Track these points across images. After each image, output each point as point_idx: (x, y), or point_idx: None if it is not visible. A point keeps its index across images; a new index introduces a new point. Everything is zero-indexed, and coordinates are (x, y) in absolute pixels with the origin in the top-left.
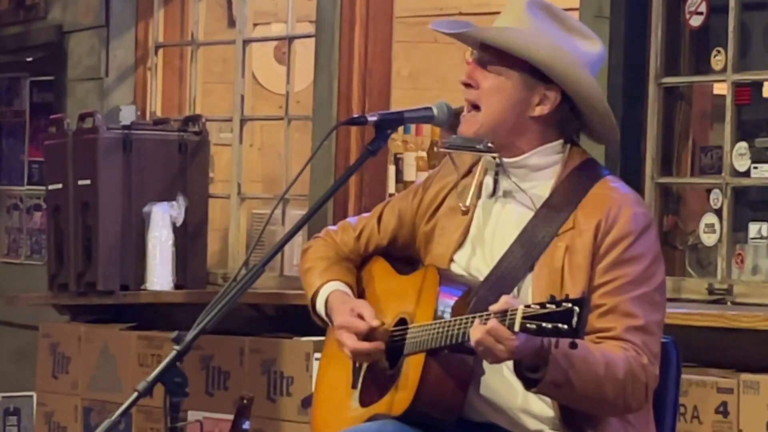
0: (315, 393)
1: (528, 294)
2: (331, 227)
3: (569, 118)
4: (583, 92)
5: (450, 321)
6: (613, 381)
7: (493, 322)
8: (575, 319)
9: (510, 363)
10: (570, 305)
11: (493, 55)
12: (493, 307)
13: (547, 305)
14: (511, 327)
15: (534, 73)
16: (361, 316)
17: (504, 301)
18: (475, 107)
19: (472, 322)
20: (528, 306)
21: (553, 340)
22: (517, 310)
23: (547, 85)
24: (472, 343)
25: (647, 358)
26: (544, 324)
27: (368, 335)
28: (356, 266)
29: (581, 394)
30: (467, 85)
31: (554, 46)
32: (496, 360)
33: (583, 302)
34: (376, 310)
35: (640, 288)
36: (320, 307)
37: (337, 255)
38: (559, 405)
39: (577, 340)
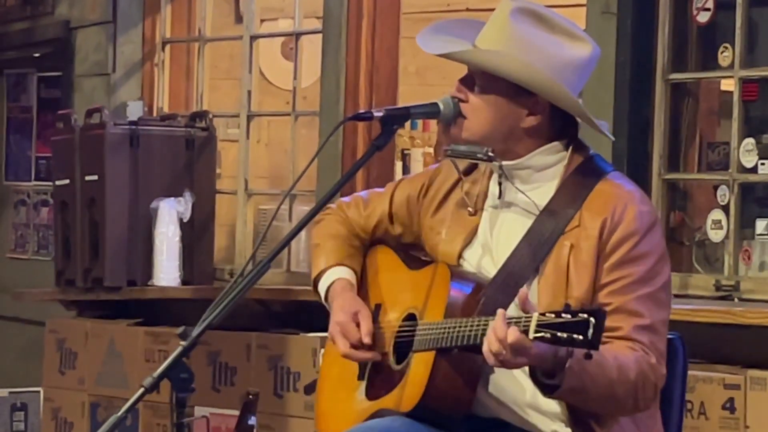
0: (320, 381)
1: (535, 293)
2: (344, 199)
3: (562, 123)
4: (568, 108)
5: (462, 321)
6: (625, 383)
7: (515, 334)
8: (591, 330)
9: None
10: (586, 316)
11: (478, 72)
12: (505, 312)
13: (563, 314)
14: (525, 333)
15: (520, 87)
16: (358, 325)
17: (522, 296)
18: (466, 119)
19: (485, 324)
20: (543, 314)
21: (567, 349)
22: (531, 317)
23: (534, 98)
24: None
25: (655, 358)
26: (559, 333)
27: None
28: (364, 245)
29: (595, 397)
30: (458, 98)
31: (530, 65)
32: (509, 367)
33: (599, 314)
34: (385, 302)
35: (646, 287)
36: (321, 290)
37: (348, 232)
38: (567, 405)
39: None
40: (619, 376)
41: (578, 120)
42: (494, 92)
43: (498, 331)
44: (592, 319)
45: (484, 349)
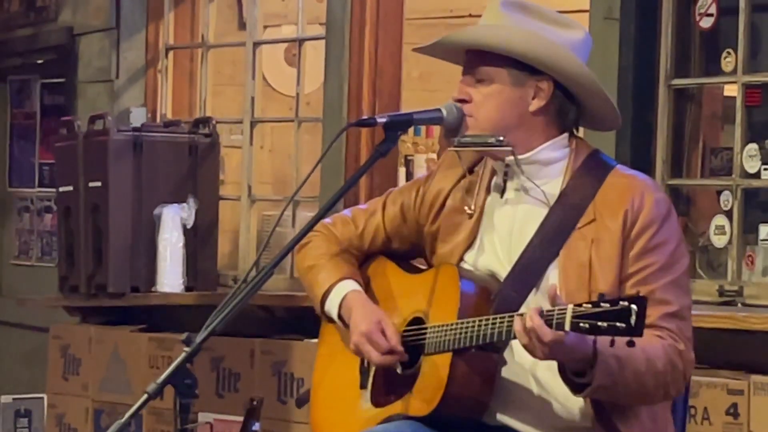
0: (314, 392)
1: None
2: (326, 220)
3: (567, 105)
4: (571, 74)
5: (479, 321)
6: (654, 374)
7: (535, 321)
8: (633, 317)
9: (536, 369)
10: (627, 303)
11: (478, 61)
12: (541, 308)
13: (601, 304)
14: (560, 326)
15: (521, 68)
16: (384, 333)
17: (552, 291)
18: (472, 117)
19: (507, 323)
20: (579, 305)
21: (608, 339)
22: (566, 309)
23: (537, 77)
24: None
25: (683, 344)
26: (599, 323)
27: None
28: (358, 261)
29: (625, 391)
30: (461, 101)
31: (531, 33)
32: (542, 357)
33: (640, 301)
34: (386, 309)
35: (670, 274)
36: (331, 308)
37: (341, 249)
38: (592, 402)
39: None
40: (648, 368)
41: (580, 107)
42: (496, 80)
43: (541, 336)
44: (633, 306)
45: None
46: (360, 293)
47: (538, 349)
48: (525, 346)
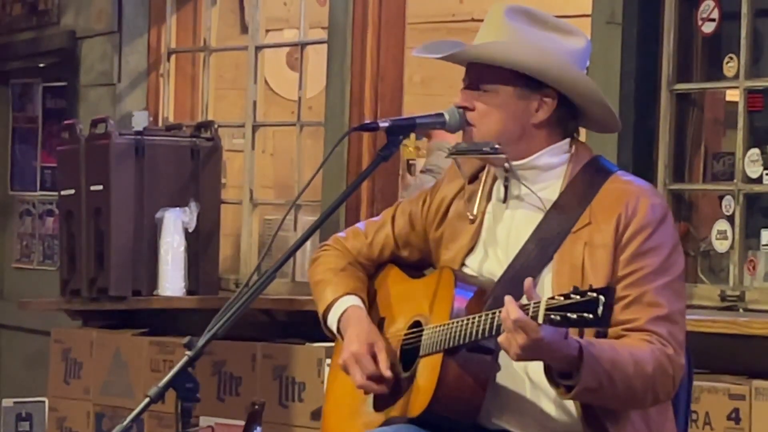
0: (326, 400)
1: (547, 290)
2: (339, 234)
3: (569, 115)
4: (580, 91)
5: (467, 319)
6: (642, 378)
7: (518, 313)
8: (601, 308)
9: (531, 373)
10: (595, 294)
11: (483, 72)
12: (513, 302)
13: (572, 295)
14: (534, 319)
15: (527, 81)
16: (375, 358)
17: (527, 285)
18: (474, 127)
19: (491, 319)
20: (552, 298)
21: (593, 341)
22: (540, 302)
23: (542, 91)
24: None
25: (673, 349)
26: (569, 314)
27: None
28: (369, 273)
29: (612, 394)
30: (464, 108)
31: (542, 50)
32: (520, 354)
33: (608, 291)
34: (390, 314)
35: (663, 278)
36: (332, 323)
37: (349, 264)
38: (581, 405)
39: (604, 341)
40: (635, 371)
41: (581, 115)
42: (501, 93)
43: (509, 312)
44: (601, 297)
45: (501, 338)
46: (359, 309)
47: (514, 344)
48: (502, 344)
